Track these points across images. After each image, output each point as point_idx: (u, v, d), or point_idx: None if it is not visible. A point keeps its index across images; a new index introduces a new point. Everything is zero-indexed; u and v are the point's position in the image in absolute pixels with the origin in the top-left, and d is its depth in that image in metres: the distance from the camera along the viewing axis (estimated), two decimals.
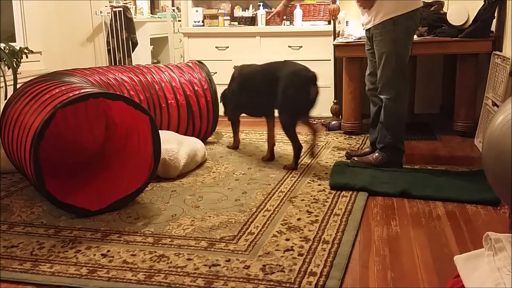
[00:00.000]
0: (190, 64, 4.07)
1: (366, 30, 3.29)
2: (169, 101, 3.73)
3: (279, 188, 2.98)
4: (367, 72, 3.41)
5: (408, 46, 3.16)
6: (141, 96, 3.60)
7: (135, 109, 2.66)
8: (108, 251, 2.22)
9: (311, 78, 3.30)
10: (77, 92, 2.58)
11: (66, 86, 2.74)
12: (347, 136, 4.22)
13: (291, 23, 4.97)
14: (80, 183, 2.95)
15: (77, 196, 2.74)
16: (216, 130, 4.15)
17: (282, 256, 2.12)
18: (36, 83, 3.01)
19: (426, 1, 4.32)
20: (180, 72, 3.92)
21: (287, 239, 2.28)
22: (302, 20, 4.87)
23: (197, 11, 5.14)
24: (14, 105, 2.90)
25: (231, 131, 4.43)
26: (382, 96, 3.22)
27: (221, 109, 3.97)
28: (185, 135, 3.78)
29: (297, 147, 3.31)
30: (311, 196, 2.84)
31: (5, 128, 2.89)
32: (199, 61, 4.15)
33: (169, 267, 2.06)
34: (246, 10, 5.14)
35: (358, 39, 4.08)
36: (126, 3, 5.91)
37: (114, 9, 5.42)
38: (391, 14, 3.07)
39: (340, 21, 4.59)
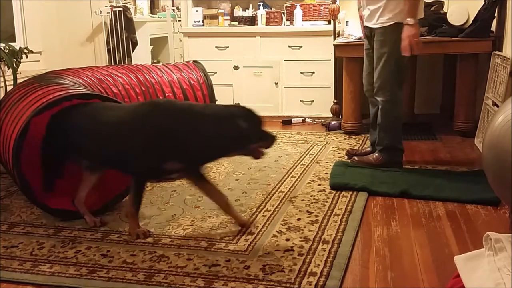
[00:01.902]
0: (187, 63, 4.08)
1: (367, 27, 3.27)
2: (166, 94, 3.72)
3: (279, 188, 2.98)
4: (365, 72, 3.40)
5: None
6: (137, 89, 3.57)
7: None
8: (108, 251, 2.22)
9: None
10: (50, 97, 2.51)
11: (43, 90, 2.68)
12: (347, 136, 4.22)
13: (291, 23, 4.96)
14: (76, 183, 2.93)
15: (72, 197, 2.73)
16: None
17: (282, 256, 2.11)
18: (18, 88, 2.94)
19: (426, 1, 4.32)
20: (177, 69, 3.92)
21: (287, 239, 2.28)
22: (302, 20, 4.87)
23: (197, 11, 5.14)
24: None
25: None
26: (378, 98, 3.22)
27: None
28: None
29: None
30: (311, 196, 2.83)
31: None
32: (195, 61, 4.15)
33: (169, 267, 2.06)
34: (246, 10, 5.13)
35: (358, 39, 4.08)
36: (126, 3, 5.91)
37: (114, 9, 5.42)
38: (398, 19, 3.05)
39: (340, 21, 4.59)
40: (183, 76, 3.87)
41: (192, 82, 3.87)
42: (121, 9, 5.45)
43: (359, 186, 2.89)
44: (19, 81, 3.87)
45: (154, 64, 4.03)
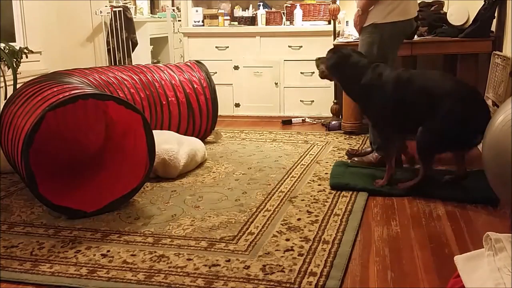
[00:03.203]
0: (189, 64, 4.08)
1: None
2: (169, 99, 3.73)
3: (279, 188, 2.98)
4: None
5: (388, 52, 3.19)
6: (141, 94, 3.60)
7: (126, 109, 2.66)
8: (108, 251, 2.22)
9: None
10: (67, 94, 2.56)
11: (58, 87, 2.72)
12: (347, 136, 4.22)
13: (291, 23, 4.97)
14: (78, 183, 2.95)
15: (73, 196, 2.74)
16: (216, 130, 4.15)
17: (282, 256, 2.11)
18: (31, 84, 3.01)
19: (426, 1, 4.32)
20: (179, 71, 3.92)
21: (287, 239, 2.28)
22: (302, 20, 4.87)
23: (197, 11, 5.14)
24: (10, 107, 2.90)
25: (231, 130, 4.42)
26: None
27: None
28: (185, 133, 3.79)
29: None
30: (311, 196, 2.83)
31: (3, 130, 2.89)
32: (197, 61, 4.15)
33: (169, 267, 2.06)
34: (246, 10, 5.14)
35: (358, 39, 4.07)
36: (126, 3, 5.91)
37: (114, 9, 5.42)
38: (372, 20, 3.14)
39: (340, 21, 4.59)
40: (186, 78, 3.88)
41: (195, 86, 3.87)
42: (121, 9, 5.45)
43: (360, 187, 2.89)
44: (19, 81, 3.87)
45: (157, 65, 4.03)
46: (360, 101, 3.07)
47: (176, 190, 2.98)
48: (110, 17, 5.42)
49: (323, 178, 3.13)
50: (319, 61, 3.15)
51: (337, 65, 3.03)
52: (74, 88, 2.70)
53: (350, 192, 2.86)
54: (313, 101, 4.87)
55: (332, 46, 4.44)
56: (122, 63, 5.47)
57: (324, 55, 3.13)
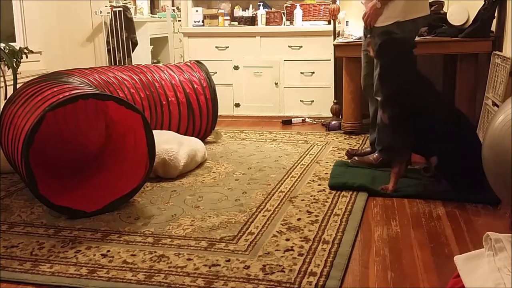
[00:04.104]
0: (189, 64, 4.08)
1: (366, 29, 3.27)
2: (169, 99, 3.74)
3: (279, 188, 2.98)
4: (363, 72, 3.40)
5: None
6: (141, 94, 3.60)
7: (126, 109, 2.67)
8: (108, 251, 2.22)
9: None
10: (67, 94, 2.57)
11: (58, 87, 2.73)
12: (347, 136, 4.22)
13: (291, 23, 4.97)
14: (78, 183, 2.95)
15: (73, 196, 2.74)
16: (216, 130, 4.15)
17: (282, 256, 2.11)
18: (32, 84, 3.01)
19: None
20: (179, 71, 3.93)
21: (287, 239, 2.28)
22: (302, 20, 4.87)
23: (197, 11, 5.14)
24: (10, 107, 2.91)
25: (231, 130, 4.41)
26: (377, 98, 3.22)
27: None
28: (185, 133, 3.80)
29: None
30: (311, 196, 2.83)
31: (3, 130, 2.89)
32: (197, 61, 4.15)
33: (169, 267, 2.06)
34: (246, 10, 5.14)
35: (358, 39, 4.07)
36: (126, 3, 5.91)
37: (114, 9, 5.42)
38: (397, 17, 3.06)
39: (340, 21, 4.59)
40: (186, 78, 3.88)
41: (195, 86, 3.88)
42: (121, 9, 5.45)
43: (357, 185, 2.89)
44: (19, 81, 3.87)
45: (157, 65, 4.04)
46: (391, 95, 2.89)
47: (176, 190, 2.98)
48: (110, 17, 5.42)
49: (323, 178, 3.13)
50: (370, 39, 3.02)
51: (385, 52, 2.90)
52: (74, 88, 2.70)
53: (350, 192, 2.86)
54: (313, 101, 4.87)
55: (332, 46, 4.47)
56: (122, 63, 5.47)
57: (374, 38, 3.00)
